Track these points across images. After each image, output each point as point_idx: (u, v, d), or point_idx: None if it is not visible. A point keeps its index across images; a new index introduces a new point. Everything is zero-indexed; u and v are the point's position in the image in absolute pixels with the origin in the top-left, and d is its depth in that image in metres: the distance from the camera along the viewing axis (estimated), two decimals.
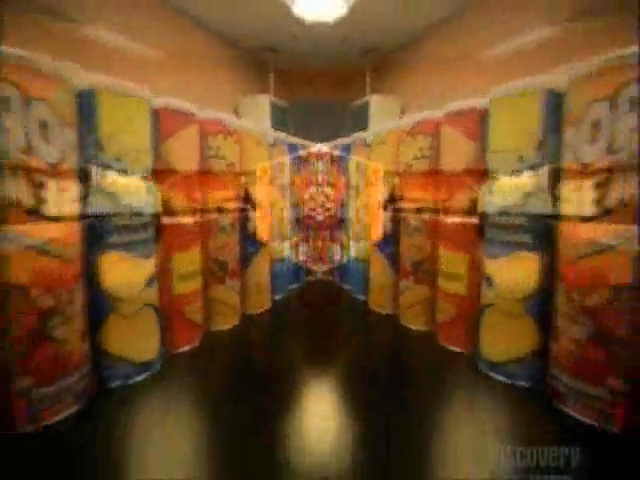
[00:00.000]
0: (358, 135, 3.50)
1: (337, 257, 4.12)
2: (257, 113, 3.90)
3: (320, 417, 1.73)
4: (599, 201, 1.52)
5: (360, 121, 3.99)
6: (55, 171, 1.58)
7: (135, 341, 1.97)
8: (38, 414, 1.57)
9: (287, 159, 3.64)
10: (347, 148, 3.72)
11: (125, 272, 1.90)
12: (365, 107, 4.03)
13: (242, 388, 1.96)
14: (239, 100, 4.05)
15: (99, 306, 1.85)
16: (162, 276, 2.16)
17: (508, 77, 1.97)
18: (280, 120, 4.09)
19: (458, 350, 2.35)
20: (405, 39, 3.86)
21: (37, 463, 1.39)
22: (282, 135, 3.57)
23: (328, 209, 4.20)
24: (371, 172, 3.19)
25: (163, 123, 2.13)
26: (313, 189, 4.20)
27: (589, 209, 1.57)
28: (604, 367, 1.53)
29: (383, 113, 3.90)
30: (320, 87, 4.83)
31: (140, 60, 2.82)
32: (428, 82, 3.67)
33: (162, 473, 1.37)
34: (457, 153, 2.28)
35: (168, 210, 2.19)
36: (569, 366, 1.67)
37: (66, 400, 1.66)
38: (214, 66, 3.75)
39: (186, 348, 2.36)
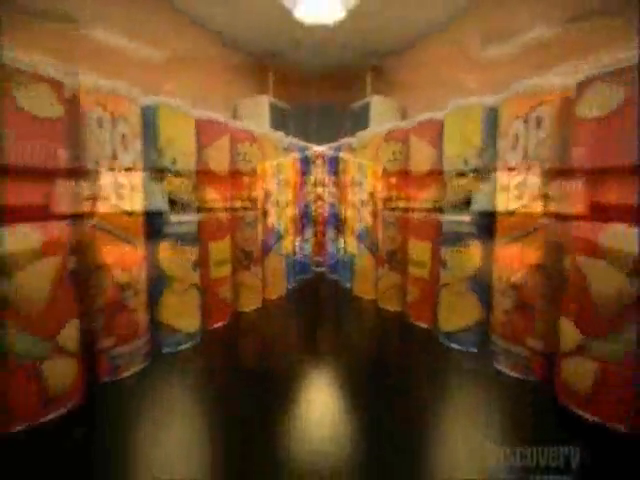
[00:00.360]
0: (346, 140, 3.83)
1: (334, 251, 4.45)
2: (256, 114, 3.96)
3: (323, 362, 2.29)
4: (519, 198, 1.94)
5: (361, 122, 4.10)
6: (130, 174, 1.97)
7: (183, 315, 2.37)
8: (115, 369, 1.96)
9: (297, 161, 4.03)
10: (339, 151, 4.02)
11: (177, 257, 2.30)
12: (366, 108, 4.17)
13: (266, 357, 2.40)
14: (239, 101, 4.09)
15: (157, 284, 2.24)
16: (202, 261, 2.55)
17: (508, 78, 2.14)
18: (280, 122, 4.15)
19: (425, 326, 2.74)
20: (405, 41, 3.95)
21: (118, 406, 1.80)
22: (294, 140, 3.93)
23: (328, 207, 4.57)
24: (371, 172, 3.58)
25: (204, 132, 2.51)
26: (314, 189, 4.57)
27: (512, 204, 1.98)
28: (525, 331, 1.95)
29: (384, 114, 4.06)
30: (320, 89, 4.85)
31: (140, 61, 2.88)
32: (428, 83, 3.82)
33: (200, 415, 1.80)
34: (422, 158, 2.69)
35: (207, 206, 2.58)
36: (501, 332, 2.09)
37: (135, 359, 2.05)
38: (214, 67, 3.81)
39: (219, 324, 2.76)
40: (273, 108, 4.09)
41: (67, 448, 1.48)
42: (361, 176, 3.55)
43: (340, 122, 4.56)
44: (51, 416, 1.63)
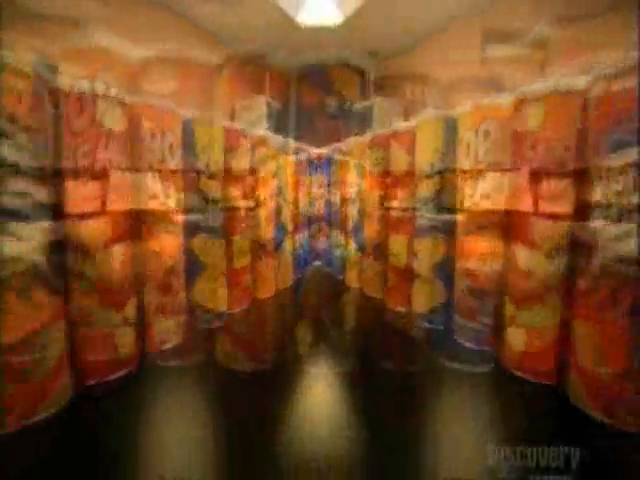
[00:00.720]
0: (337, 145, 4.21)
1: (329, 246, 4.81)
2: (253, 115, 4.04)
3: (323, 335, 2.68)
4: (471, 196, 2.34)
5: (365, 124, 4.22)
6: (174, 176, 2.34)
7: (213, 297, 2.74)
8: (161, 342, 2.32)
9: (300, 163, 4.41)
10: (335, 153, 4.41)
11: (209, 247, 2.67)
12: (369, 110, 4.31)
13: (282, 335, 2.80)
14: (236, 101, 4.17)
15: (192, 270, 2.60)
16: (227, 252, 2.92)
17: (508, 78, 2.33)
18: (277, 123, 4.21)
19: (403, 310, 3.11)
20: (407, 42, 4.03)
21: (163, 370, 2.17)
22: (296, 142, 4.27)
23: (324, 206, 4.92)
24: (361, 174, 3.92)
25: (229, 140, 2.89)
26: (313, 189, 4.94)
27: (465, 202, 2.36)
28: (477, 309, 2.34)
29: (387, 116, 4.13)
30: (319, 90, 4.93)
31: (136, 62, 2.87)
32: (429, 83, 3.96)
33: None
34: (400, 162, 3.06)
35: (230, 204, 2.96)
36: (459, 310, 2.48)
37: (178, 333, 2.42)
38: (211, 68, 3.81)
39: (239, 309, 3.13)
40: (270, 109, 4.20)
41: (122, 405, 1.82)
42: (353, 177, 3.96)
43: (342, 123, 4.70)
44: (115, 376, 1.99)
